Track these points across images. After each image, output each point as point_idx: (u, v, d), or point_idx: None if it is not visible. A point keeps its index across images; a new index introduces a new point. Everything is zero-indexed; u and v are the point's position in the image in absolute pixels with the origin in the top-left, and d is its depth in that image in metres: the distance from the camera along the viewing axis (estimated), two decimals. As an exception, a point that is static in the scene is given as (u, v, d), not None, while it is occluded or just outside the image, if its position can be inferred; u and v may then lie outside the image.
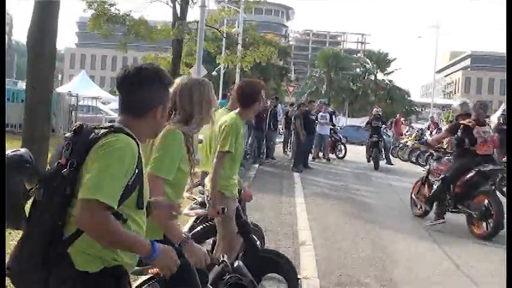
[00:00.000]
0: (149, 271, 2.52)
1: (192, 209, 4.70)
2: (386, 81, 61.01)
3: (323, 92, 58.38)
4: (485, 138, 8.22)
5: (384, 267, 6.17)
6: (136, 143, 2.13)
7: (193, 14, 35.87)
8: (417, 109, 62.77)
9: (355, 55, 79.02)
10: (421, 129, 23.77)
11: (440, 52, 64.42)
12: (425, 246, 7.38)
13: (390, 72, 61.56)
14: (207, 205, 4.13)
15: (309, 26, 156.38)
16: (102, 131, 2.11)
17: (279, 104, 19.48)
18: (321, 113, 18.07)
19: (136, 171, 2.10)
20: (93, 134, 2.10)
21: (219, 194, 4.12)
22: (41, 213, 2.06)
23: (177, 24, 16.37)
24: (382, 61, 60.81)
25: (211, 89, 3.28)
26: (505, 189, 12.23)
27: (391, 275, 5.90)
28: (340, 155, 19.51)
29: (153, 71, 2.27)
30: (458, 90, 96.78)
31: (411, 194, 9.48)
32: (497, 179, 8.24)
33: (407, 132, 24.40)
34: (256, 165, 14.89)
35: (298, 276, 5.44)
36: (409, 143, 20.57)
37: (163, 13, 21.74)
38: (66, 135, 2.17)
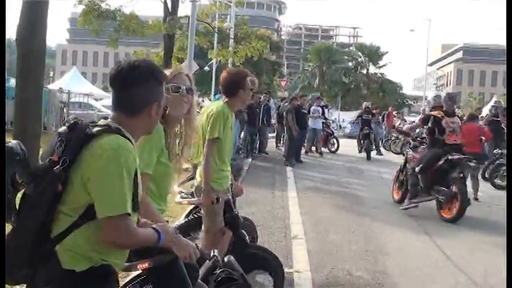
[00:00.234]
0: (137, 267, 2.52)
1: (182, 198, 4.66)
2: (379, 75, 61.07)
3: (315, 86, 58.38)
4: (454, 129, 8.79)
5: (376, 259, 6.21)
6: (131, 143, 2.12)
7: (184, 8, 35.83)
8: (409, 102, 62.88)
9: (347, 49, 78.90)
10: (413, 121, 23.85)
11: (432, 45, 64.53)
12: (417, 238, 7.43)
13: (382, 66, 61.57)
14: (195, 196, 4.11)
15: (301, 20, 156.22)
16: (97, 128, 2.07)
17: (272, 99, 19.49)
18: (313, 107, 18.09)
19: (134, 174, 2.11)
20: (88, 131, 2.07)
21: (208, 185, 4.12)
22: (30, 209, 2.05)
23: (168, 19, 16.30)
24: (374, 54, 60.83)
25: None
26: (496, 180, 12.40)
27: (383, 267, 5.94)
28: (333, 149, 19.55)
29: (148, 68, 2.21)
30: (450, 82, 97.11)
31: (393, 181, 10.04)
32: (470, 167, 8.93)
33: (399, 125, 24.46)
34: (249, 160, 14.90)
35: (291, 270, 5.49)
36: (401, 136, 20.64)
37: (154, 8, 21.62)
38: (59, 130, 2.11)
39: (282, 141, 18.91)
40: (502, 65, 72.10)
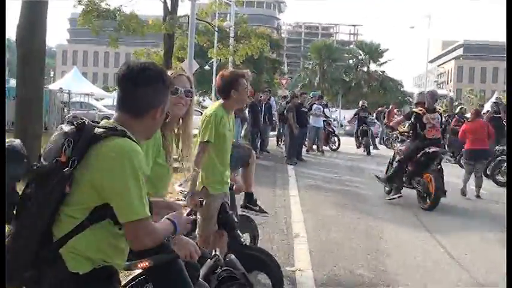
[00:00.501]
0: (138, 266, 2.52)
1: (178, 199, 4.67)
2: (379, 72, 60.98)
3: (316, 84, 58.29)
4: (434, 124, 9.43)
5: (377, 257, 6.20)
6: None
7: (184, 8, 35.78)
8: (410, 100, 62.79)
9: (347, 46, 78.79)
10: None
11: (432, 42, 64.30)
12: (418, 235, 7.42)
13: (383, 63, 61.53)
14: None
15: (301, 18, 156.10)
16: (105, 130, 2.06)
17: (272, 97, 19.47)
18: (315, 105, 18.12)
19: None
20: (96, 132, 2.06)
21: (205, 189, 4.11)
22: (37, 210, 2.02)
23: (168, 19, 16.28)
24: (374, 52, 60.75)
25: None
26: (498, 177, 12.40)
27: (384, 265, 5.93)
28: (334, 147, 19.56)
29: (158, 71, 2.23)
30: (450, 79, 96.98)
31: (385, 173, 10.48)
32: (442, 159, 9.56)
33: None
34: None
35: (292, 268, 5.49)
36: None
37: (154, 8, 21.61)
38: (66, 130, 2.08)
39: (282, 139, 18.91)
40: (502, 61, 72.04)
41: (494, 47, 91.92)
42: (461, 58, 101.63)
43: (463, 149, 11.91)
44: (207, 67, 32.40)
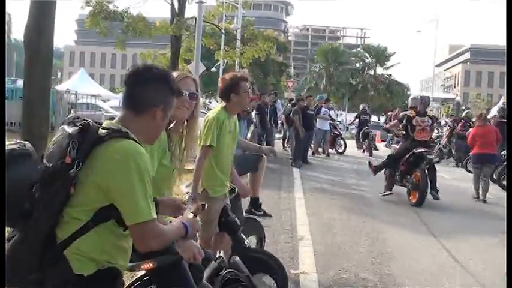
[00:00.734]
0: (142, 267, 2.52)
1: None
2: (386, 76, 60.80)
3: (322, 87, 58.20)
4: (423, 127, 10.06)
5: (382, 261, 6.19)
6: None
7: (191, 10, 35.84)
8: (416, 103, 62.54)
9: (354, 50, 78.63)
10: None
11: (439, 46, 64.19)
12: (423, 239, 7.41)
13: (389, 67, 61.30)
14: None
15: (308, 21, 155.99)
16: (109, 132, 2.06)
17: (278, 100, 19.47)
18: (323, 108, 18.15)
19: None
20: (100, 133, 2.07)
21: (205, 192, 4.11)
22: (42, 211, 2.02)
23: (176, 21, 16.32)
24: (381, 55, 60.53)
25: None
26: (504, 182, 12.34)
27: (389, 268, 5.91)
28: (340, 150, 19.53)
29: (163, 72, 2.25)
30: (458, 84, 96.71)
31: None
32: (431, 159, 10.28)
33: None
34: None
35: (297, 271, 5.48)
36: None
37: (161, 10, 21.67)
38: (69, 132, 2.08)
39: (288, 142, 18.90)
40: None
41: (501, 52, 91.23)
42: (468, 62, 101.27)
43: (469, 154, 11.92)
44: (213, 69, 32.45)
